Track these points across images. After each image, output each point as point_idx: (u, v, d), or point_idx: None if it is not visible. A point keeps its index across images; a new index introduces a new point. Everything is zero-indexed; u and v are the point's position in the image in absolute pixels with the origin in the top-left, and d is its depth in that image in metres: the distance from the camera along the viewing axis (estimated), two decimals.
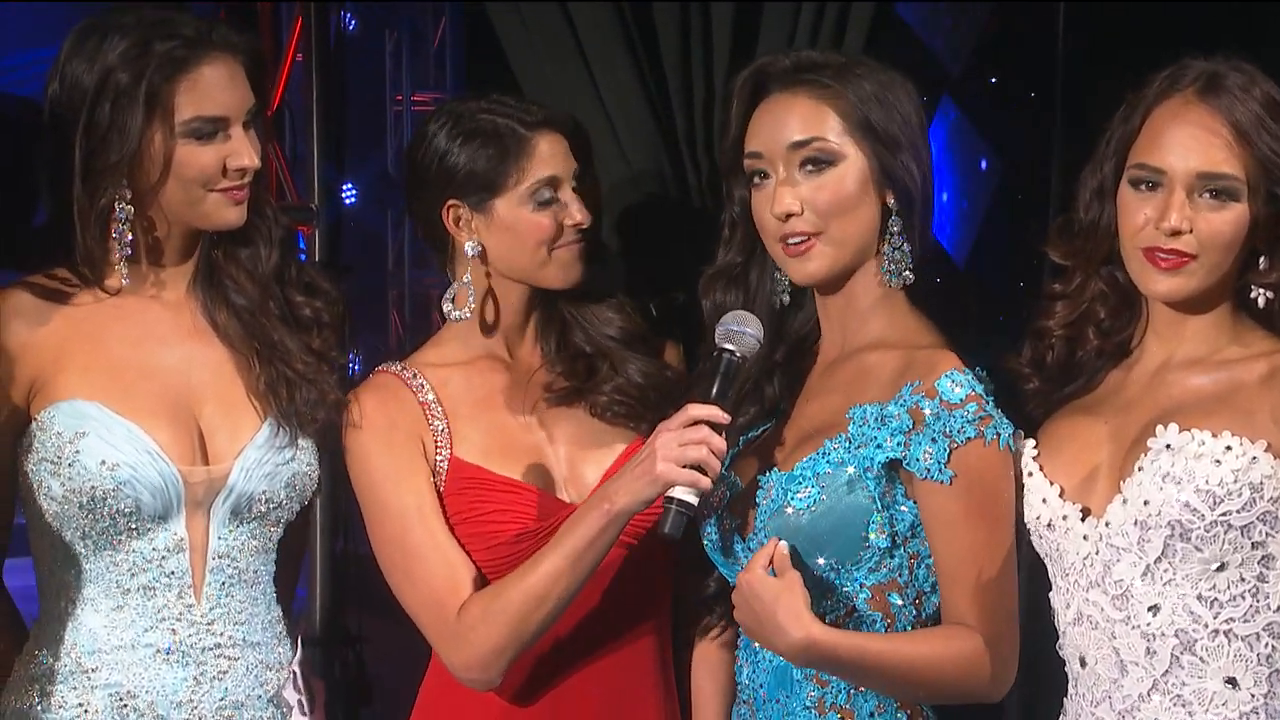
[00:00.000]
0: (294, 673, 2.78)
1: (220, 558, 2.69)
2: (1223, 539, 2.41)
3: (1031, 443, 2.60)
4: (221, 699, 2.70)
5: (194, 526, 2.67)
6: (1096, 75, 3.60)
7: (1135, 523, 2.44)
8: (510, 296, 2.87)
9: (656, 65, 3.37)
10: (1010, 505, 2.58)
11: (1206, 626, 2.43)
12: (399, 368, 2.86)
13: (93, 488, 2.61)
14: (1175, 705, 2.45)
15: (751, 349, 2.60)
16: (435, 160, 2.81)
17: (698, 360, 2.85)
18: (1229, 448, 2.41)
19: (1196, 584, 2.43)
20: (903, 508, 2.58)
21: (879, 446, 2.56)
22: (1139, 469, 2.45)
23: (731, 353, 2.58)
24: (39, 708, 2.66)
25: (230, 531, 2.69)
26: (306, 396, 2.73)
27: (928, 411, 2.54)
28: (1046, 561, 2.58)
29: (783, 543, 2.53)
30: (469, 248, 2.82)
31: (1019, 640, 2.58)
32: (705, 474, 2.53)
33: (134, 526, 2.64)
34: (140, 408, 2.65)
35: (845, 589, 2.59)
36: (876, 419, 2.57)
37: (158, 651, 2.67)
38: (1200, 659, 2.44)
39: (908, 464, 2.55)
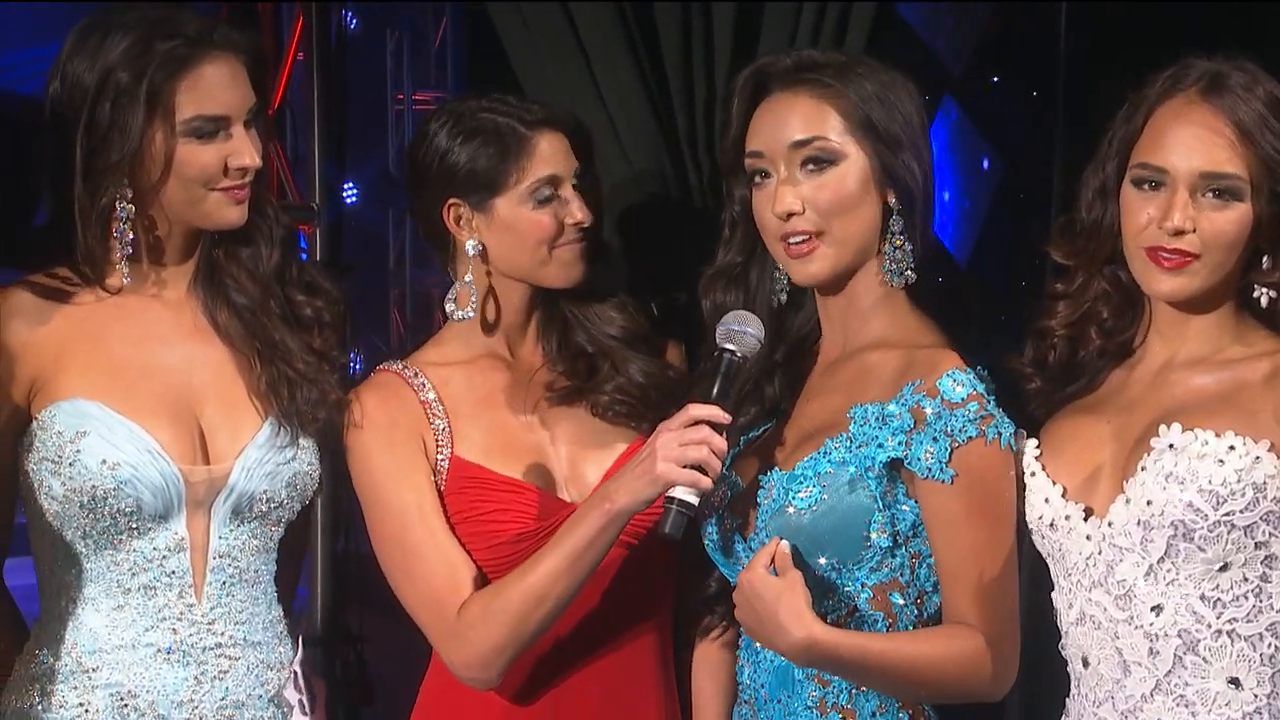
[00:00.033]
0: (295, 672, 2.78)
1: (221, 557, 2.69)
2: (1226, 539, 2.41)
3: (1034, 442, 2.60)
4: (222, 699, 2.70)
5: (195, 526, 2.67)
6: (1098, 75, 3.59)
7: (1138, 523, 2.44)
8: (511, 295, 2.87)
9: (658, 65, 3.37)
10: (1011, 504, 2.57)
11: (1209, 627, 2.43)
12: (400, 366, 2.86)
13: (94, 487, 2.60)
14: (1178, 705, 2.45)
15: (752, 349, 2.60)
16: (436, 159, 2.81)
17: (699, 360, 2.85)
18: (1232, 447, 2.40)
19: (1199, 584, 2.43)
20: (904, 507, 2.58)
21: (880, 446, 2.56)
22: (1142, 469, 2.45)
23: (732, 353, 2.58)
24: (39, 707, 2.66)
25: (231, 531, 2.69)
26: (307, 396, 2.73)
27: (929, 411, 2.54)
28: (1049, 561, 2.58)
29: (784, 542, 2.53)
30: (470, 247, 2.82)
31: (1020, 639, 2.58)
32: (706, 474, 2.52)
33: (135, 526, 2.63)
34: (141, 407, 2.65)
35: (847, 589, 2.59)
36: (878, 418, 2.57)
37: (158, 651, 2.67)
38: (1203, 659, 2.44)
39: (909, 463, 2.55)
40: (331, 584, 5.18)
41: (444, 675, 2.78)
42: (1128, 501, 2.46)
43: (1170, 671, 2.45)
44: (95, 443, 2.61)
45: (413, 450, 2.78)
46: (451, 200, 2.81)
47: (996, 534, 2.56)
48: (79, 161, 2.61)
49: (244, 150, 2.66)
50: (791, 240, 2.63)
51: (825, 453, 2.58)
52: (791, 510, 2.57)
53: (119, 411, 2.63)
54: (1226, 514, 2.40)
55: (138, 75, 2.60)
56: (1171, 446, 2.43)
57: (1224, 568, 2.42)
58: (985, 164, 5.25)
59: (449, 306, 2.85)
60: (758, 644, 2.65)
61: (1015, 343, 2.67)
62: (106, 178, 2.61)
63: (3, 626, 2.77)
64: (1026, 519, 2.58)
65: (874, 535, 2.56)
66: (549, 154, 2.80)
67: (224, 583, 2.70)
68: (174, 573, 2.66)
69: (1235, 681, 2.44)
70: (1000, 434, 2.55)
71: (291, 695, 2.77)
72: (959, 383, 2.55)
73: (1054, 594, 2.58)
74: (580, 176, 2.84)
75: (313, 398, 2.73)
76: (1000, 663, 2.55)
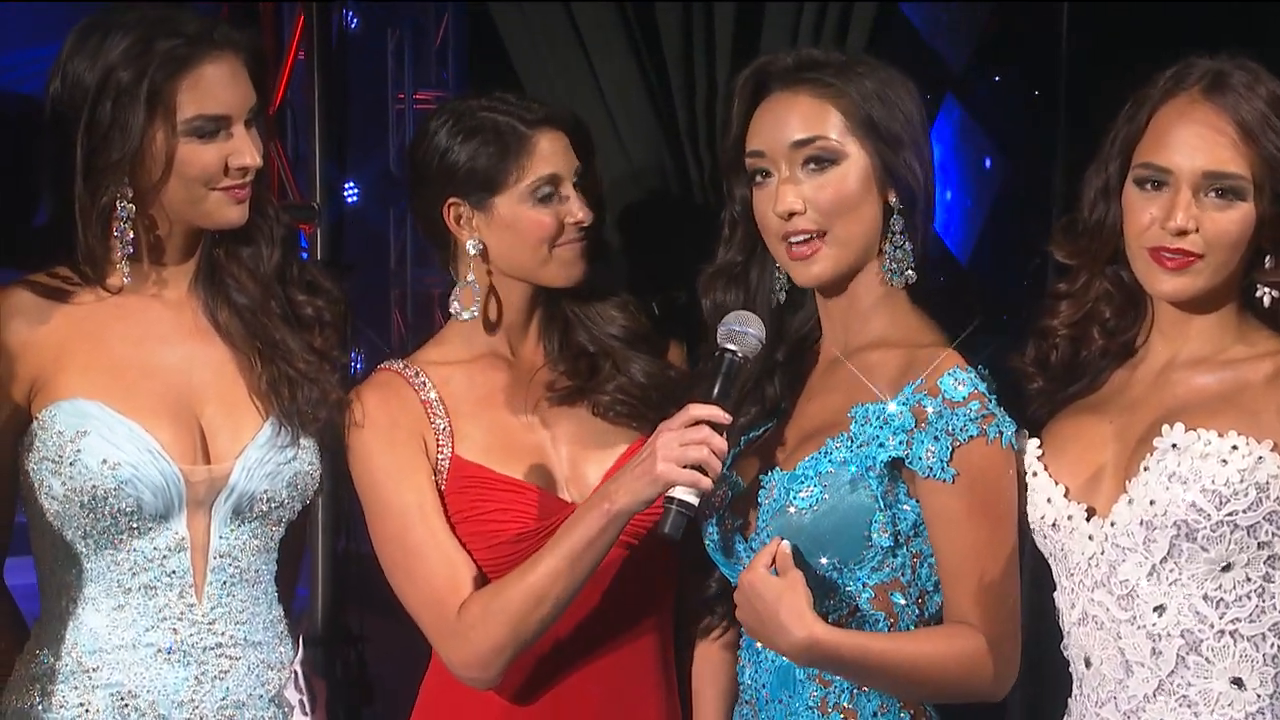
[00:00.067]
0: (295, 672, 2.78)
1: (221, 557, 2.69)
2: (1229, 539, 2.40)
3: (1036, 442, 2.60)
4: (223, 699, 2.70)
5: (195, 526, 2.67)
6: (1100, 74, 3.59)
7: (1141, 523, 2.43)
8: (513, 295, 2.87)
9: (659, 63, 3.37)
10: (1013, 504, 2.57)
11: (1212, 627, 2.43)
12: (401, 365, 2.86)
13: (94, 487, 2.60)
14: (1181, 706, 2.44)
15: (753, 349, 2.60)
16: (436, 158, 2.80)
17: (699, 358, 2.85)
18: (1235, 447, 2.40)
19: (1202, 584, 2.43)
20: (905, 506, 2.57)
21: (881, 445, 2.55)
22: (1145, 469, 2.45)
23: (733, 353, 2.58)
24: (40, 707, 2.66)
25: (232, 531, 2.69)
26: (308, 396, 2.72)
27: (930, 410, 2.54)
28: (1051, 561, 2.58)
29: (785, 542, 2.53)
30: (470, 246, 2.82)
31: (1021, 639, 2.58)
32: (706, 474, 2.52)
33: (135, 526, 2.63)
34: (142, 407, 2.65)
35: (848, 588, 2.59)
36: (879, 417, 2.56)
37: (159, 651, 2.67)
38: (1206, 659, 2.43)
39: (910, 462, 2.55)
40: (332, 584, 5.18)
41: (444, 675, 2.78)
42: (1130, 501, 2.45)
43: (1173, 672, 2.44)
44: (96, 442, 2.60)
45: (413, 450, 2.78)
46: (451, 199, 2.81)
47: (998, 533, 2.56)
48: (79, 161, 2.61)
49: (245, 150, 2.66)
50: (793, 240, 2.63)
51: (826, 452, 2.58)
52: (792, 510, 2.57)
53: (119, 411, 2.63)
54: (1229, 514, 2.39)
55: (138, 75, 2.60)
56: (1174, 446, 2.43)
57: (1227, 568, 2.42)
58: (987, 163, 5.25)
59: (454, 307, 2.84)
60: (759, 644, 2.64)
61: (1017, 342, 2.66)
62: (107, 177, 2.61)
63: (3, 626, 2.77)
64: (1028, 519, 2.58)
65: (875, 535, 2.56)
66: (549, 153, 2.80)
67: (224, 583, 2.69)
68: (174, 572, 2.66)
69: (1238, 682, 2.43)
70: (1002, 433, 2.55)
71: (292, 695, 2.76)
72: (960, 381, 2.54)
73: (1056, 594, 2.58)
74: (581, 175, 2.83)
75: (313, 397, 2.73)
76: (1001, 662, 2.55)
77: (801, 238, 2.63)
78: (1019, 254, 4.39)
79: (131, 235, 2.65)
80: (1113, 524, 2.47)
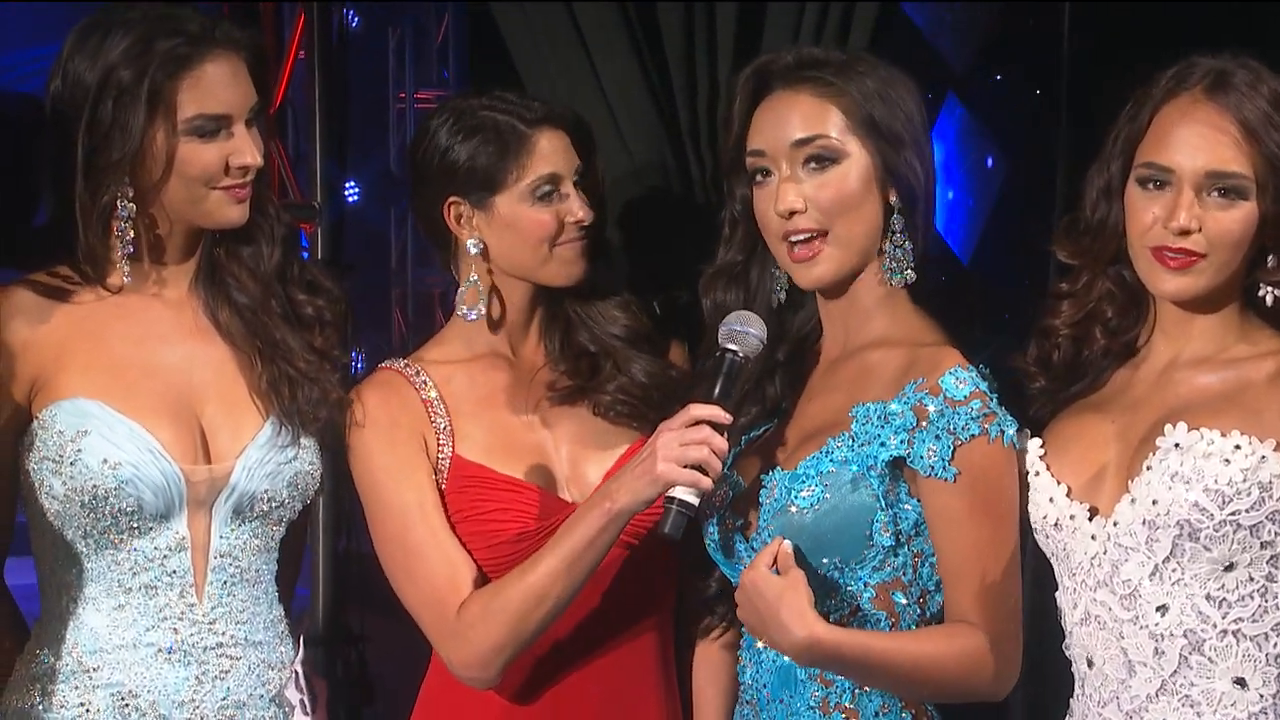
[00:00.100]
0: (296, 672, 2.77)
1: (222, 557, 2.68)
2: (1232, 538, 2.40)
3: (1037, 442, 2.59)
4: (223, 698, 2.69)
5: (196, 525, 2.67)
6: (1102, 74, 3.59)
7: (1144, 522, 2.43)
8: (513, 294, 2.86)
9: (661, 64, 3.37)
10: (1014, 503, 2.57)
11: (1215, 626, 2.43)
12: (402, 364, 2.86)
13: (94, 486, 2.60)
14: (1183, 706, 2.44)
15: (754, 349, 2.60)
16: (436, 157, 2.80)
17: (699, 358, 2.84)
18: (1238, 447, 2.40)
19: (1205, 584, 2.42)
20: (906, 506, 2.57)
21: (883, 444, 2.55)
22: (1147, 468, 2.44)
23: (734, 353, 2.58)
24: (40, 707, 2.66)
25: (232, 530, 2.69)
26: (309, 395, 2.72)
27: (931, 409, 2.53)
28: (1053, 561, 2.57)
29: (786, 541, 2.52)
30: (470, 245, 2.81)
31: (1023, 638, 2.58)
32: (706, 474, 2.52)
33: (136, 525, 2.63)
34: (142, 406, 2.65)
35: (849, 588, 2.58)
36: (880, 417, 2.56)
37: (159, 651, 2.66)
38: (1209, 659, 2.43)
39: (911, 461, 2.54)
40: (333, 583, 5.18)
41: (444, 675, 2.77)
42: (1133, 501, 2.45)
43: (1175, 672, 2.44)
44: (96, 442, 2.60)
45: (414, 449, 2.78)
46: (452, 198, 2.81)
47: (999, 532, 2.55)
48: (80, 160, 2.61)
49: (245, 149, 2.66)
50: (794, 240, 2.63)
51: (827, 452, 2.58)
52: (794, 509, 2.57)
53: (120, 411, 2.63)
54: (1232, 513, 2.39)
55: (139, 74, 2.60)
56: (1177, 446, 2.43)
57: (1229, 567, 2.42)
58: (989, 163, 5.25)
59: (460, 309, 2.84)
60: (760, 644, 2.64)
61: (1019, 342, 2.66)
62: (108, 176, 2.61)
63: (3, 626, 2.77)
64: (1030, 518, 2.57)
65: (876, 534, 2.56)
66: (549, 152, 2.79)
67: (225, 582, 2.69)
68: (175, 572, 2.66)
69: (1241, 682, 2.43)
70: (1003, 432, 2.55)
71: (293, 695, 2.76)
72: (961, 380, 2.54)
73: (1058, 594, 2.57)
74: (581, 174, 2.83)
75: (314, 397, 2.72)
76: (1002, 661, 2.55)
77: (802, 237, 2.62)
78: (1020, 254, 4.39)
79: (132, 235, 2.65)
80: (1115, 524, 2.47)
